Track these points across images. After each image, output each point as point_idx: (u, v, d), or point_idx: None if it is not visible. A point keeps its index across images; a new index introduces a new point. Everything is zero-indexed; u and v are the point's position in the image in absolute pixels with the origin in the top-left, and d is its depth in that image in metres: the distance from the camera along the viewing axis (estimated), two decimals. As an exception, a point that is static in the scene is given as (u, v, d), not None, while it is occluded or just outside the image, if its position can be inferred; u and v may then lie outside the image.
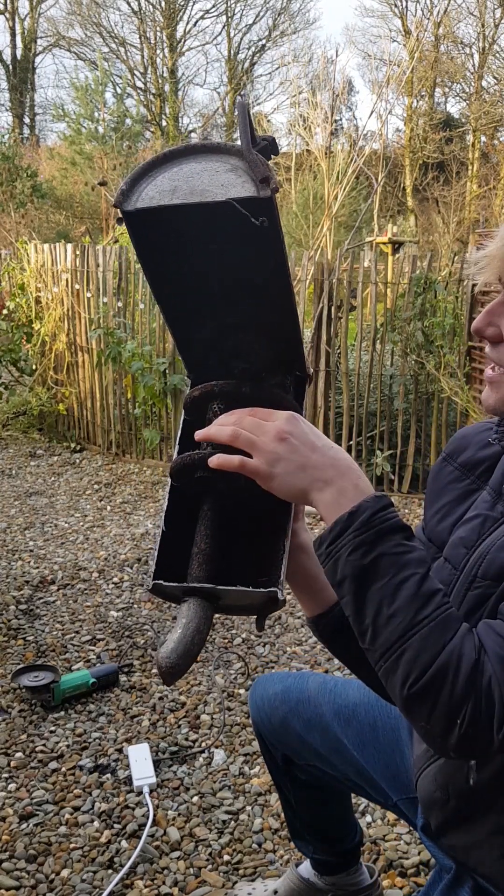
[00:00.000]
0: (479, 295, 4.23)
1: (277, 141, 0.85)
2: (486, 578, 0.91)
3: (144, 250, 0.87)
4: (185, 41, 24.86)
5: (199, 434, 0.89)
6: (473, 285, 4.24)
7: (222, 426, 0.86)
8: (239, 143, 0.81)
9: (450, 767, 0.96)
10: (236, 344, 0.95)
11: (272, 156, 0.83)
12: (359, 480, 0.84)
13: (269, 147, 0.82)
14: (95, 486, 4.63)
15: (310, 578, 1.04)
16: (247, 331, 0.94)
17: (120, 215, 0.84)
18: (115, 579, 3.26)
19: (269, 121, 19.63)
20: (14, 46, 24.73)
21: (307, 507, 0.93)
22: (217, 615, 0.93)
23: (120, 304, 5.01)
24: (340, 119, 22.30)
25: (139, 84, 24.67)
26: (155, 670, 2.55)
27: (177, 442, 0.98)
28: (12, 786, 2.00)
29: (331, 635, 1.05)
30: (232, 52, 25.27)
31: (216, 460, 0.85)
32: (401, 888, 1.69)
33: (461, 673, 0.75)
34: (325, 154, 9.50)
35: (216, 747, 2.17)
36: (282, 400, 0.94)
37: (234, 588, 0.87)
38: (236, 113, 0.84)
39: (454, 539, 0.99)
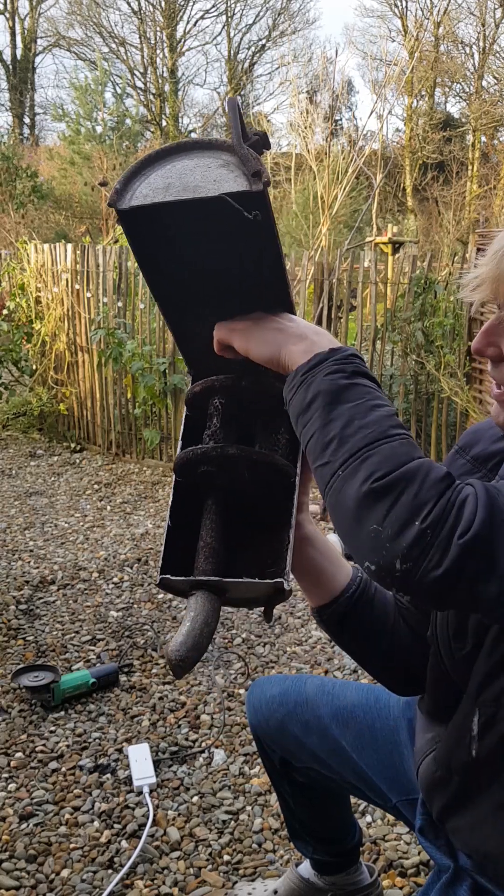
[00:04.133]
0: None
1: (277, 141, 0.86)
2: None
3: (140, 248, 0.87)
4: (185, 41, 24.85)
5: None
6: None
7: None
8: (227, 139, 0.82)
9: (451, 742, 0.96)
10: None
11: (264, 150, 0.84)
12: (333, 341, 0.87)
13: (261, 141, 0.82)
14: (95, 486, 4.63)
15: (315, 569, 1.05)
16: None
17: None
18: (115, 579, 3.26)
19: (269, 121, 19.61)
20: (14, 46, 24.72)
21: (311, 507, 0.93)
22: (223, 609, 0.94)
23: (120, 304, 5.01)
24: (340, 119, 22.29)
25: (139, 84, 24.66)
26: (155, 670, 2.55)
27: (180, 437, 0.98)
28: (12, 786, 2.00)
29: (336, 625, 1.06)
30: (232, 52, 25.26)
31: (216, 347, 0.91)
32: (401, 888, 1.69)
33: (430, 478, 0.72)
34: (325, 154, 9.50)
35: (216, 747, 2.17)
36: (281, 392, 0.94)
37: (240, 580, 0.88)
38: (227, 109, 0.84)
39: None
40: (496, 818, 0.93)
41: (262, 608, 0.93)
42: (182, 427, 0.99)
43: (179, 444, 0.97)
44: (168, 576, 0.90)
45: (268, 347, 0.87)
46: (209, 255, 0.87)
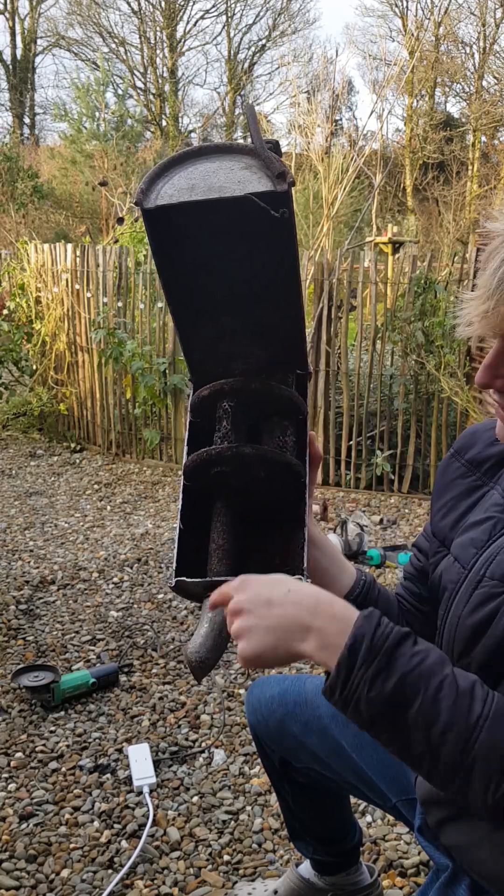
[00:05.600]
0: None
1: (279, 142, 0.87)
2: (493, 579, 0.91)
3: (160, 247, 0.89)
4: (185, 41, 24.86)
5: None
6: (474, 286, 4.24)
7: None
8: (249, 142, 0.84)
9: None
10: (238, 345, 0.96)
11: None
12: (333, 609, 0.80)
13: (274, 149, 0.84)
14: (95, 486, 4.63)
15: (319, 571, 1.05)
16: (250, 331, 0.95)
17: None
18: (115, 579, 3.26)
19: (269, 121, 19.62)
20: (14, 46, 24.73)
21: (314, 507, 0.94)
22: None
23: (120, 304, 5.01)
24: (340, 119, 22.29)
25: (139, 84, 24.68)
26: (155, 670, 2.55)
27: (185, 443, 0.99)
28: (12, 786, 2.00)
29: None
30: (232, 52, 25.26)
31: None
32: (401, 888, 1.69)
33: None
34: (326, 153, 9.50)
35: (216, 747, 2.17)
36: (289, 396, 0.95)
37: None
38: (245, 116, 0.87)
39: (464, 539, 0.99)
40: (492, 842, 0.93)
41: None
42: (186, 433, 1.00)
43: (185, 450, 0.98)
44: (184, 578, 0.90)
45: (278, 656, 0.80)
46: (227, 256, 0.88)
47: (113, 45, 24.47)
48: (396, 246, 10.33)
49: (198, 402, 0.98)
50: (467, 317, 0.88)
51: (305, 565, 0.90)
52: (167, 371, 4.79)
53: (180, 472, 4.77)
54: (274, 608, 0.79)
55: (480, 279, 0.88)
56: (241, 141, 0.92)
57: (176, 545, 0.94)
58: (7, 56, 24.63)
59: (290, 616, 0.79)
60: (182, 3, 24.32)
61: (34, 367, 5.71)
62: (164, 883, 1.70)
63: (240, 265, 0.89)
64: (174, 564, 0.92)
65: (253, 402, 0.95)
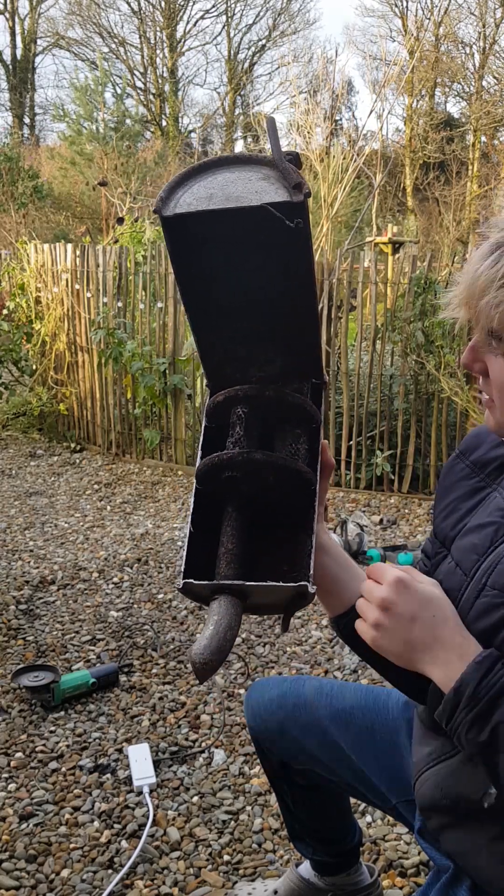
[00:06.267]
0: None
1: (299, 154, 0.88)
2: (494, 588, 0.90)
3: (178, 255, 0.91)
4: (185, 41, 24.85)
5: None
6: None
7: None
8: (267, 154, 0.87)
9: (461, 780, 0.95)
10: (255, 352, 0.98)
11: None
12: (462, 648, 0.85)
13: (294, 160, 0.86)
14: (95, 486, 4.63)
15: (330, 579, 1.05)
16: (266, 340, 0.97)
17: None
18: (115, 579, 3.26)
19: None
20: (14, 46, 24.72)
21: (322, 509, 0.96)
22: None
23: (120, 304, 5.01)
24: (340, 119, 22.28)
25: (139, 84, 24.67)
26: (155, 670, 2.55)
27: (199, 448, 1.00)
28: (12, 786, 2.00)
29: (352, 634, 1.05)
30: (232, 52, 25.26)
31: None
32: (401, 888, 1.69)
33: None
34: (326, 153, 9.49)
35: (216, 747, 2.17)
36: (303, 404, 0.96)
37: (263, 584, 0.89)
38: (265, 128, 0.89)
39: (465, 543, 0.99)
40: (492, 850, 0.93)
41: (281, 616, 0.94)
42: (201, 439, 1.01)
43: (199, 454, 0.99)
44: (191, 580, 0.90)
45: (399, 661, 0.89)
46: (244, 264, 0.90)
47: (113, 45, 24.48)
48: (396, 246, 10.33)
49: (212, 407, 0.99)
50: (454, 301, 0.92)
51: (311, 573, 0.90)
52: (167, 371, 4.79)
53: (180, 472, 4.78)
54: (415, 628, 0.86)
55: (466, 264, 0.91)
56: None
57: (185, 547, 0.94)
58: (7, 56, 24.65)
59: (425, 641, 0.86)
60: (182, 3, 24.32)
61: (34, 367, 5.72)
62: (164, 883, 1.70)
63: (256, 273, 0.91)
64: (183, 566, 0.93)
65: (267, 408, 0.97)
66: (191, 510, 0.97)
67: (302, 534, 0.95)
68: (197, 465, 0.96)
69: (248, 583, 0.89)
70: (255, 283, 0.92)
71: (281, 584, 0.88)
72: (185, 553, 0.94)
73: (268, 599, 0.92)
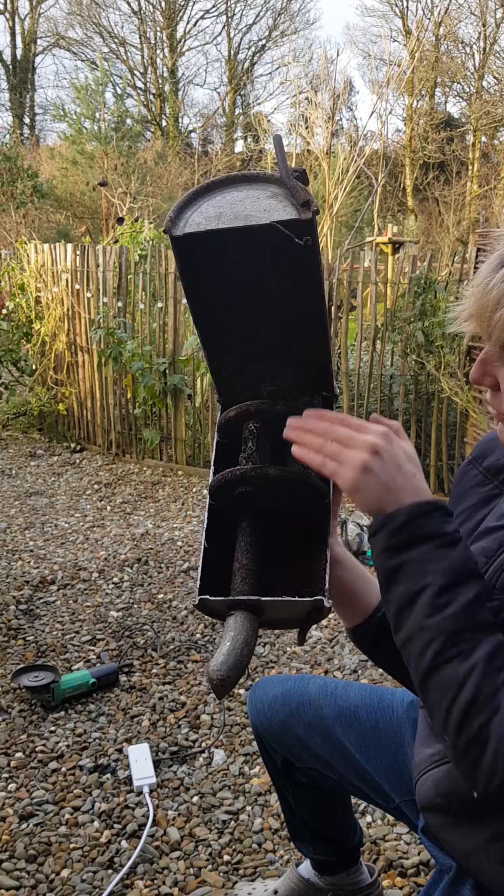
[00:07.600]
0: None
1: (306, 171, 0.89)
2: (503, 591, 0.90)
3: (189, 275, 0.92)
4: (185, 41, 24.85)
5: (289, 432, 0.90)
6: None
7: (313, 434, 0.87)
8: (273, 172, 0.87)
9: (453, 778, 0.95)
10: (266, 367, 0.99)
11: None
12: (410, 489, 0.86)
13: (301, 177, 0.87)
14: (95, 486, 4.63)
15: (346, 590, 1.05)
16: (277, 355, 0.98)
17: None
18: (115, 579, 3.26)
19: (269, 121, 19.61)
20: (14, 46, 24.73)
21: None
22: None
23: (120, 304, 5.01)
24: (341, 119, 22.27)
25: (139, 84, 24.68)
26: (155, 670, 2.55)
27: (212, 463, 1.00)
28: (12, 786, 2.00)
29: (371, 644, 1.06)
30: (232, 52, 25.26)
31: (298, 451, 0.87)
32: (401, 888, 1.69)
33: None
34: (328, 153, 9.50)
35: (216, 747, 2.17)
36: None
37: (279, 598, 0.89)
38: (273, 146, 0.90)
39: (476, 549, 0.98)
40: (490, 850, 0.93)
41: (297, 629, 0.94)
42: (213, 454, 1.01)
43: (211, 469, 0.99)
44: (207, 596, 0.90)
45: (371, 506, 0.88)
46: (253, 281, 0.91)
47: (113, 45, 24.48)
48: (396, 246, 10.34)
49: (224, 422, 1.00)
50: (462, 314, 0.91)
51: (327, 587, 0.91)
52: (167, 371, 4.79)
53: (180, 472, 4.76)
54: (399, 477, 0.86)
55: (475, 276, 0.89)
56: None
57: (200, 563, 0.95)
58: (7, 56, 24.65)
59: (405, 489, 0.86)
60: (182, 3, 24.32)
61: (34, 367, 5.71)
62: (164, 883, 1.70)
63: (265, 290, 0.92)
64: (198, 582, 0.93)
65: (278, 423, 0.97)
66: (204, 526, 0.97)
67: (316, 547, 0.96)
68: (209, 480, 0.97)
69: (264, 598, 0.88)
70: (265, 299, 0.93)
71: (297, 598, 0.89)
72: (199, 569, 0.94)
73: (284, 614, 0.93)
